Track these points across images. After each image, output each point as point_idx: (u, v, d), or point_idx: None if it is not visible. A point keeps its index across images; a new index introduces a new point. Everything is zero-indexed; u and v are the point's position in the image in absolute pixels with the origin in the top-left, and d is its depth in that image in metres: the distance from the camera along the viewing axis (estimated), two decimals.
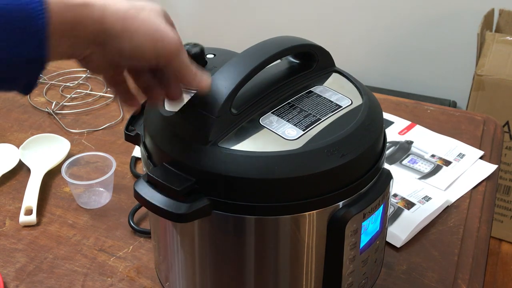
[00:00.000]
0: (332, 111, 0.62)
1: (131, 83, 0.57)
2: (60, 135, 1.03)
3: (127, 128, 0.68)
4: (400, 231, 0.84)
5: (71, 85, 1.22)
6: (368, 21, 2.15)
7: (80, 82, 1.23)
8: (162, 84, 0.57)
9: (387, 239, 0.83)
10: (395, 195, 0.91)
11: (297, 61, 0.69)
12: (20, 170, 0.98)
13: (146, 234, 0.85)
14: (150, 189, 0.56)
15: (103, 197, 0.92)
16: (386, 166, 0.95)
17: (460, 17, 2.00)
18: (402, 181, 0.94)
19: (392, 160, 0.99)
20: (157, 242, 0.69)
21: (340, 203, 0.58)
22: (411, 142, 1.03)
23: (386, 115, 1.10)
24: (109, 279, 0.79)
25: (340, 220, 0.58)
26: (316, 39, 0.72)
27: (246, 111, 0.60)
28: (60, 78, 1.25)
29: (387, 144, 0.70)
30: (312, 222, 0.58)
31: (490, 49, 1.70)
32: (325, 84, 0.66)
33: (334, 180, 0.57)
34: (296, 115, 0.61)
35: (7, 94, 1.19)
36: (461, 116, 1.11)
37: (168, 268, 0.68)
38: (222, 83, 0.58)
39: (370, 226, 0.62)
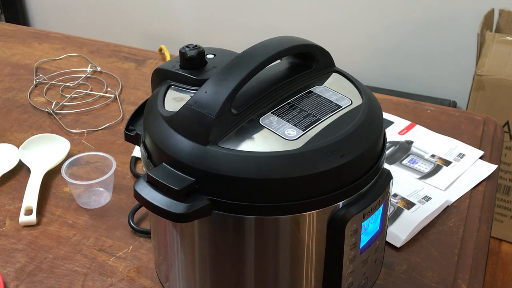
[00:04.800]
0: (332, 111, 0.62)
1: None
2: (60, 135, 1.03)
3: (127, 128, 0.68)
4: (400, 231, 0.84)
5: (71, 85, 1.22)
6: (368, 21, 2.15)
7: (80, 82, 1.23)
8: None
9: (387, 239, 0.83)
10: (395, 195, 0.91)
11: (297, 61, 0.69)
12: (20, 170, 0.98)
13: (146, 234, 0.85)
14: (150, 189, 0.56)
15: (103, 197, 0.92)
16: (386, 166, 0.95)
17: (460, 17, 2.00)
18: (402, 181, 0.94)
19: (392, 160, 0.99)
20: (157, 242, 0.69)
21: (340, 203, 0.58)
22: (411, 142, 1.03)
23: (386, 115, 1.10)
24: (109, 279, 0.79)
25: (340, 220, 0.58)
26: (316, 39, 0.72)
27: (246, 111, 0.60)
28: (60, 78, 1.25)
29: (387, 144, 0.70)
30: (312, 222, 0.58)
31: (490, 49, 1.70)
32: (325, 84, 0.66)
33: (334, 180, 0.57)
34: (296, 115, 0.61)
35: (7, 94, 1.19)
36: (461, 116, 1.11)
37: (168, 268, 0.68)
38: (222, 83, 0.58)
39: (370, 226, 0.62)
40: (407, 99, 1.18)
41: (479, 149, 1.01)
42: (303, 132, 0.58)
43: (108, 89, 1.20)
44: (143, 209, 0.89)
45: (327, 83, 0.67)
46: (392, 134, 1.05)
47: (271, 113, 0.61)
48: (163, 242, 0.66)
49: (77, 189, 0.91)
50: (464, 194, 0.92)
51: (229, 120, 0.58)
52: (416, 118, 1.10)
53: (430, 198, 0.90)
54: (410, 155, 1.00)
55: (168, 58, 1.30)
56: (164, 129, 0.59)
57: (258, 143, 0.57)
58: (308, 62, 0.68)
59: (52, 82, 1.23)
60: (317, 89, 0.65)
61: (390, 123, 1.08)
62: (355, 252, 0.62)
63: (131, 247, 0.84)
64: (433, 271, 0.79)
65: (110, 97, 1.17)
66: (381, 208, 0.62)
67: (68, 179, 0.87)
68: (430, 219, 0.87)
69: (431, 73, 2.14)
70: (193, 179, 0.55)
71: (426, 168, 0.97)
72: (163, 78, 0.68)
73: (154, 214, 0.56)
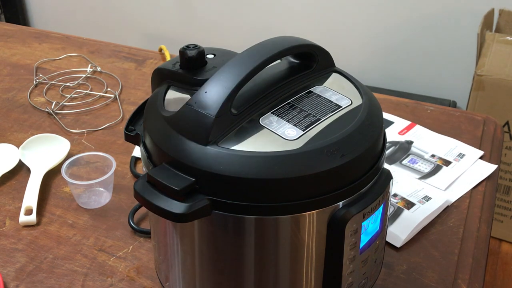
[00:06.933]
0: (332, 111, 0.62)
1: None
2: (60, 135, 1.03)
3: (127, 128, 0.68)
4: (400, 231, 0.84)
5: (71, 85, 1.22)
6: (368, 21, 2.15)
7: (80, 82, 1.23)
8: None
9: (387, 239, 0.83)
10: (395, 195, 0.91)
11: (297, 61, 0.69)
12: (20, 170, 0.98)
13: (146, 234, 0.85)
14: (150, 189, 0.56)
15: (103, 197, 0.92)
16: (386, 166, 0.95)
17: (460, 17, 2.00)
18: (402, 181, 0.94)
19: (392, 160, 0.99)
20: (157, 242, 0.69)
21: (340, 203, 0.58)
22: (411, 142, 1.03)
23: (386, 115, 1.10)
24: (109, 279, 0.79)
25: (340, 220, 0.58)
26: (316, 39, 0.72)
27: (246, 111, 0.60)
28: (60, 78, 1.25)
29: (387, 144, 0.70)
30: (312, 222, 0.58)
31: (490, 49, 1.70)
32: (325, 84, 0.66)
33: (334, 180, 0.57)
34: (296, 115, 0.61)
35: (7, 94, 1.19)
36: (461, 116, 1.11)
37: (168, 268, 0.68)
38: (222, 83, 0.58)
39: (370, 226, 0.62)
40: (407, 99, 1.17)
41: (479, 149, 1.01)
42: (303, 132, 0.58)
43: (108, 89, 1.20)
44: (143, 209, 0.89)
45: (327, 83, 0.67)
46: (392, 134, 1.05)
47: (271, 113, 0.61)
48: (163, 242, 0.66)
49: (77, 189, 0.91)
50: (464, 194, 0.92)
51: (229, 120, 0.58)
52: (416, 118, 1.10)
53: (430, 198, 0.90)
54: (410, 155, 1.00)
55: (168, 58, 1.30)
56: (164, 129, 0.59)
57: (258, 143, 0.57)
58: (308, 62, 0.68)
59: (52, 82, 1.23)
60: (317, 89, 0.65)
61: (390, 123, 1.08)
62: (355, 252, 0.62)
63: (131, 247, 0.84)
64: (433, 271, 0.79)
65: (110, 97, 1.17)
66: (381, 208, 0.62)
67: (68, 179, 0.87)
68: (430, 219, 0.87)
69: (431, 73, 2.14)
70: (193, 179, 0.55)
71: (426, 168, 0.97)
72: (163, 78, 0.68)
73: (154, 214, 0.56)
